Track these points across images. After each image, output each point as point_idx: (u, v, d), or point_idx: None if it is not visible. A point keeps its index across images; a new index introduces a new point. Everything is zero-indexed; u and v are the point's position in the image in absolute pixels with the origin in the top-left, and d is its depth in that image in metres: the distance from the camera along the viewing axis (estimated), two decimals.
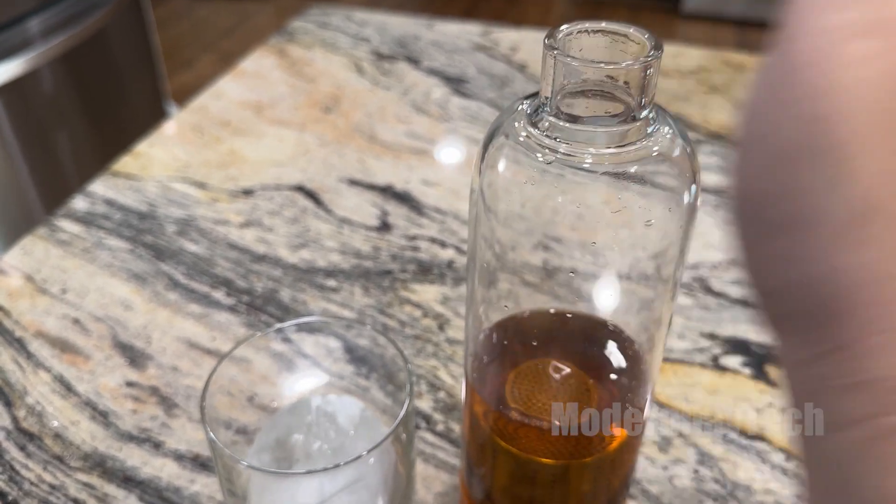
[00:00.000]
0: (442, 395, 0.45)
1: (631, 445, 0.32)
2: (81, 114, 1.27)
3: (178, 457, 0.42)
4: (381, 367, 0.40)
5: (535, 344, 0.32)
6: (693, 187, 0.26)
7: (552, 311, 0.31)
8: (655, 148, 0.25)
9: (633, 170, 0.24)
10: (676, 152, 0.25)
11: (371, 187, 0.61)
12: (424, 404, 0.45)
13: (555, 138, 0.24)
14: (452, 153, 0.66)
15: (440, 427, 0.44)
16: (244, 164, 0.64)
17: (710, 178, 0.62)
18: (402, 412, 0.33)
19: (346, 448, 0.35)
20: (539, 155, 0.25)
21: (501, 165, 0.26)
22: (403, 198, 0.60)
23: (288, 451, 0.35)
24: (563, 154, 0.24)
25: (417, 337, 0.49)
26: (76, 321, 0.50)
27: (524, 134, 0.25)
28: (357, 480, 0.33)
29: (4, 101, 1.13)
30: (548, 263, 0.28)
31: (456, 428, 0.43)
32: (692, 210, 0.26)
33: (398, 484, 0.36)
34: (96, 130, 1.30)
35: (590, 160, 0.24)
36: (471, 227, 0.29)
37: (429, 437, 0.43)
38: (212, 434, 0.32)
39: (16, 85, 1.14)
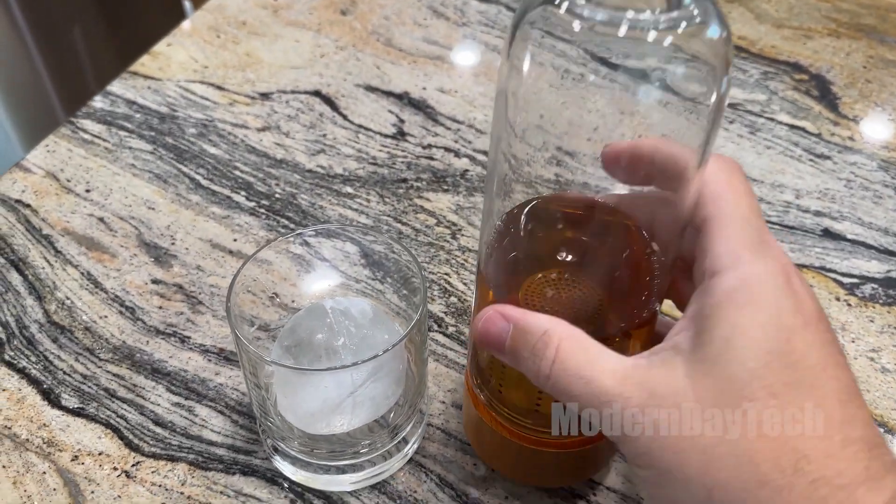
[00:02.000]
0: (453, 299, 0.47)
1: (639, 347, 0.33)
2: (97, 8, 1.25)
3: (204, 351, 0.45)
4: (396, 272, 0.42)
5: (551, 249, 0.33)
6: (725, 79, 0.26)
7: (572, 206, 0.31)
8: (691, 17, 0.24)
9: (666, 44, 0.24)
10: (710, 31, 0.25)
11: (387, 94, 0.62)
12: (436, 308, 0.47)
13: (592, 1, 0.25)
14: (469, 60, 0.66)
15: (451, 329, 0.46)
16: (261, 67, 0.64)
17: None
18: (416, 316, 0.35)
19: (367, 341, 0.37)
20: (577, 22, 0.25)
21: (532, 44, 0.26)
22: (419, 105, 0.61)
23: (314, 349, 0.37)
24: (601, 21, 0.24)
25: (431, 244, 0.50)
26: (101, 220, 0.52)
27: (559, 2, 0.25)
28: (379, 369, 0.35)
29: None
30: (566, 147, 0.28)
31: (466, 331, 0.45)
32: (720, 103, 0.26)
33: (410, 380, 0.39)
34: (111, 25, 1.28)
35: (625, 28, 0.24)
36: (496, 119, 0.29)
37: (440, 338, 0.45)
38: (239, 334, 0.34)
39: None
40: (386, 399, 0.37)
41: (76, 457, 0.40)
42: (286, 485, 0.39)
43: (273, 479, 0.39)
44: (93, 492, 0.39)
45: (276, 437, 0.38)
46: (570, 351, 0.26)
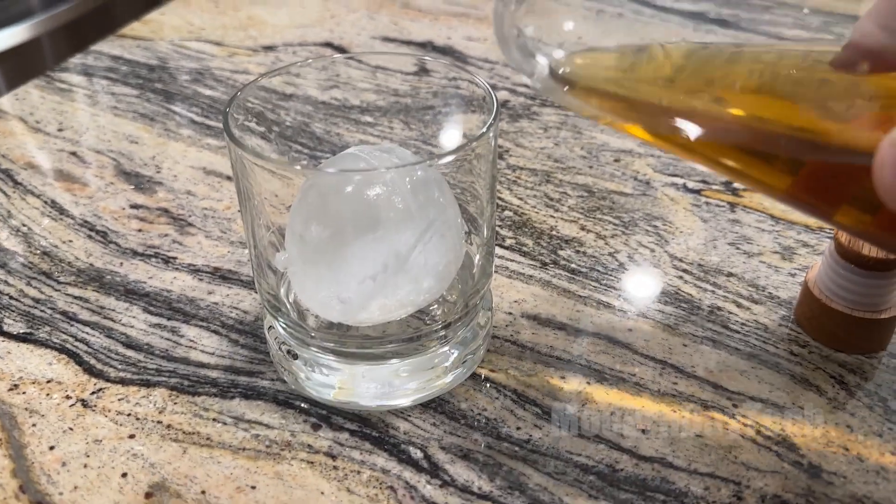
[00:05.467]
0: (508, 213, 0.38)
1: None
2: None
3: (194, 270, 0.35)
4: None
5: None
6: None
7: None
8: None
9: None
10: None
11: (408, 43, 0.54)
12: None
13: None
14: None
15: (509, 241, 0.36)
16: (264, 27, 0.57)
17: None
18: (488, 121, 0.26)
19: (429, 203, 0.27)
20: None
21: None
22: (445, 51, 0.53)
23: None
24: None
25: None
26: (73, 154, 0.43)
27: None
28: (433, 226, 0.26)
29: (5, 69, 1.07)
30: None
31: (527, 242, 0.36)
32: None
33: (466, 262, 0.29)
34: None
35: None
36: None
37: (498, 250, 0.35)
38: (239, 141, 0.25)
39: (17, 52, 1.08)
40: (443, 269, 0.27)
41: (15, 385, 0.29)
42: (305, 405, 0.28)
43: (287, 400, 0.28)
44: (34, 424, 0.28)
45: (295, 337, 0.28)
46: None
